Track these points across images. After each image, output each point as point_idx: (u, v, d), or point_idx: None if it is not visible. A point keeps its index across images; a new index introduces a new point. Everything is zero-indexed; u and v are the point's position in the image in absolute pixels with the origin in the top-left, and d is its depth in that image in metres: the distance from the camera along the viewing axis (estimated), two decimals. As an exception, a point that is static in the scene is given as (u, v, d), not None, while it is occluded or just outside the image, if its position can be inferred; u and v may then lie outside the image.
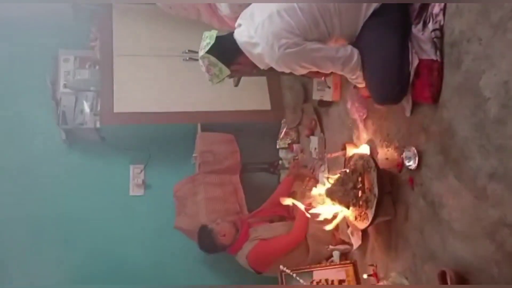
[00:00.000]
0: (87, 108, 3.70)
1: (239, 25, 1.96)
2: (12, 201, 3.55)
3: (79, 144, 3.84)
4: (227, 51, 1.97)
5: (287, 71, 1.96)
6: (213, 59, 1.94)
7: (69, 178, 3.73)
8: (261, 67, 2.01)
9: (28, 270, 3.39)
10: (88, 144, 3.83)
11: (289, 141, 3.30)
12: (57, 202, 3.64)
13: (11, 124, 3.77)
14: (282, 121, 3.42)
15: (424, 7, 1.77)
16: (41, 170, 3.71)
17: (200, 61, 2.00)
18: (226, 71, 1.98)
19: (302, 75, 2.40)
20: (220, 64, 1.95)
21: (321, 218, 2.11)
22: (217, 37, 1.96)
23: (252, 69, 2.05)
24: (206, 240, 2.93)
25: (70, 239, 3.51)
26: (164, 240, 3.54)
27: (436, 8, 1.71)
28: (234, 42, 1.95)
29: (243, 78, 3.09)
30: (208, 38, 1.95)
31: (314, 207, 2.19)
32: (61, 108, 3.70)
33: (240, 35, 1.93)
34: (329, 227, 2.13)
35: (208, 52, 1.93)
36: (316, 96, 2.78)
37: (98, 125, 3.63)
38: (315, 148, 2.89)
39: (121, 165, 3.84)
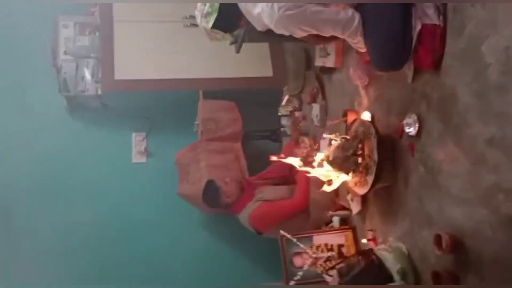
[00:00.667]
0: (88, 75, 3.70)
1: None
2: (16, 169, 3.58)
3: (81, 111, 3.85)
4: (229, 19, 1.95)
5: (286, 33, 1.94)
6: (219, 33, 1.94)
7: (71, 145, 3.77)
8: (258, 28, 1.99)
9: (33, 232, 3.45)
10: (90, 111, 3.85)
11: (291, 109, 3.29)
12: (60, 170, 3.69)
13: (12, 92, 3.76)
14: (284, 88, 3.40)
15: (429, -30, 1.73)
16: (43, 138, 3.73)
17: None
18: (228, 38, 1.96)
19: (303, 41, 2.38)
20: (222, 33, 1.94)
21: (321, 177, 2.13)
22: (220, 6, 1.93)
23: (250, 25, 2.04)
24: (211, 195, 3.01)
25: (72, 206, 3.56)
26: (167, 207, 3.60)
27: (441, -28, 1.67)
28: (235, 5, 1.92)
29: (245, 45, 3.08)
30: (210, 8, 1.92)
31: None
32: (62, 75, 3.69)
33: None
34: (328, 188, 2.15)
35: (213, 26, 1.93)
36: (318, 62, 2.76)
37: (99, 92, 3.64)
38: (317, 115, 2.89)
39: (123, 132, 3.87)
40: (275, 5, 1.81)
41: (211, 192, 3.01)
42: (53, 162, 3.67)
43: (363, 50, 2.01)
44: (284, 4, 1.80)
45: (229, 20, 2.01)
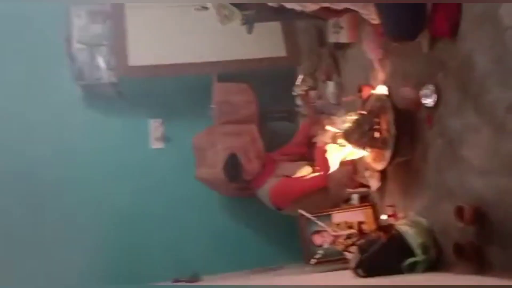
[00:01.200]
0: (102, 63, 3.70)
1: None
2: (34, 160, 3.62)
3: (97, 100, 3.86)
4: None
5: (297, 6, 1.89)
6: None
7: (88, 134, 3.76)
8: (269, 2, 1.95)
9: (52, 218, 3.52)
10: (106, 99, 3.86)
11: (306, 88, 3.25)
12: (77, 159, 3.70)
13: (28, 82, 3.79)
14: (299, 68, 3.35)
15: None
16: (59, 128, 3.72)
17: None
18: (238, 14, 1.92)
19: (315, 16, 2.34)
20: (231, 7, 1.90)
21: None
22: None
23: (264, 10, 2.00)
24: (232, 169, 3.00)
25: (92, 195, 3.59)
26: (186, 191, 3.62)
27: None
28: None
29: (257, 25, 3.04)
30: None
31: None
32: (77, 64, 3.71)
33: None
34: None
35: None
36: (332, 38, 2.70)
37: (114, 79, 3.65)
38: (332, 93, 2.85)
39: (140, 119, 3.87)
40: None
41: (232, 167, 3.02)
42: (71, 151, 3.68)
43: (376, 21, 1.96)
44: None
45: None
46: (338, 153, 2.14)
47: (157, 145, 3.84)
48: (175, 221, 3.59)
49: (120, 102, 3.86)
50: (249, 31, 3.00)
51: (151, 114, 3.87)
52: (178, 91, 3.81)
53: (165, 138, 3.86)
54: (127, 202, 3.61)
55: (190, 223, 3.59)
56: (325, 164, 2.69)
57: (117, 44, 3.57)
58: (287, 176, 2.86)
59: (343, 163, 2.41)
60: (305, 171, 2.85)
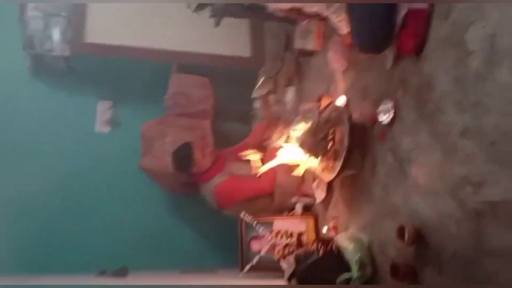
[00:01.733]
0: (56, 35, 3.48)
1: None
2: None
3: (45, 73, 3.63)
4: None
5: (270, 6, 1.84)
6: None
7: (31, 107, 3.53)
8: None
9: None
10: (55, 73, 3.63)
11: (266, 91, 3.20)
12: (17, 131, 3.46)
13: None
14: (261, 70, 3.30)
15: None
16: (2, 97, 3.50)
17: None
18: None
19: (285, 19, 2.30)
20: None
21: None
22: None
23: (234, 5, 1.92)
24: (183, 156, 2.87)
25: (24, 172, 3.35)
26: (127, 180, 3.46)
27: (432, -45, 1.60)
28: None
29: (225, 22, 2.97)
30: None
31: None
32: (28, 32, 3.47)
33: None
34: (296, 171, 2.09)
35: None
36: (298, 44, 2.67)
37: (67, 53, 3.44)
38: (291, 99, 2.81)
39: (89, 99, 3.67)
40: None
41: (184, 154, 2.88)
42: (9, 122, 3.44)
43: (346, 31, 1.94)
44: None
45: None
46: (288, 155, 2.10)
47: (103, 128, 3.65)
48: (110, 211, 3.42)
49: (70, 78, 3.64)
50: (217, 24, 2.93)
51: (101, 95, 3.68)
52: (133, 75, 3.65)
53: (112, 123, 3.67)
54: (61, 185, 3.40)
55: (126, 215, 3.42)
56: (273, 170, 2.64)
57: (76, 17, 3.37)
58: (235, 176, 2.78)
59: (291, 170, 2.37)
60: (251, 170, 2.78)
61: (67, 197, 3.40)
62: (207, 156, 2.85)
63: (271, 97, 3.15)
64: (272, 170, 2.65)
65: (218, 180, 2.79)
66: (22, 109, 3.52)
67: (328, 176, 2.06)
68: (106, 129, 3.67)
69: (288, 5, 1.86)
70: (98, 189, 3.46)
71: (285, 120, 2.85)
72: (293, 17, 2.22)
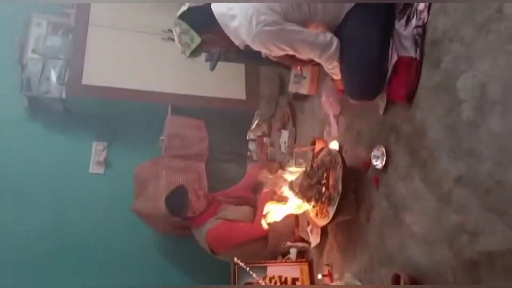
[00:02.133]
0: (54, 77, 3.52)
1: None
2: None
3: (42, 114, 3.66)
4: (201, 20, 1.87)
5: (263, 50, 1.87)
6: (184, 25, 1.84)
7: (26, 147, 3.55)
8: (236, 42, 1.92)
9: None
10: (51, 115, 3.66)
11: (260, 133, 3.22)
12: (12, 171, 3.45)
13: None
14: (256, 112, 3.33)
15: (410, 2, 1.72)
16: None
17: (173, 30, 1.90)
18: (197, 39, 1.85)
19: (279, 64, 2.33)
20: (192, 32, 1.84)
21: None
22: (191, 6, 1.86)
23: (227, 44, 1.96)
24: (177, 199, 2.81)
25: (18, 211, 3.32)
26: (119, 222, 3.41)
27: (421, 5, 1.65)
28: (210, 12, 1.85)
29: (220, 65, 3.02)
30: (183, 7, 1.86)
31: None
32: (26, 73, 3.51)
33: (218, 6, 1.83)
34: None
35: (180, 17, 1.84)
36: (292, 88, 2.71)
37: (63, 95, 3.47)
38: (285, 142, 2.82)
39: (84, 140, 3.69)
40: (253, 20, 1.75)
41: (178, 198, 2.83)
42: (4, 161, 3.43)
43: (338, 77, 1.97)
44: (263, 19, 1.74)
45: (198, 20, 1.92)
46: (283, 207, 2.08)
47: (97, 170, 3.64)
48: (103, 253, 3.35)
49: (66, 119, 3.66)
50: (212, 68, 2.97)
51: (97, 136, 3.69)
52: (129, 116, 3.69)
53: (107, 164, 3.66)
54: (54, 225, 3.36)
55: (119, 256, 3.35)
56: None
57: (75, 60, 3.42)
58: (228, 220, 2.74)
59: (286, 215, 2.34)
60: (245, 214, 2.75)
61: (60, 237, 3.34)
62: (201, 200, 2.81)
63: (266, 140, 3.16)
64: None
65: (210, 224, 2.74)
66: (17, 149, 3.53)
67: (323, 221, 2.03)
68: (101, 170, 3.65)
69: (282, 52, 1.89)
70: (91, 231, 3.41)
71: (279, 163, 2.86)
72: (286, 63, 2.25)
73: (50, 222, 3.34)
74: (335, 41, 1.81)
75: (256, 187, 2.99)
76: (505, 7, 1.27)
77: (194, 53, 1.93)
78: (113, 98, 3.46)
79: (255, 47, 1.87)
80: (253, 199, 2.92)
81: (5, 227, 3.26)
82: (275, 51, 1.89)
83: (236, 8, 1.79)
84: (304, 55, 1.88)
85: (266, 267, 2.41)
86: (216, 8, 1.84)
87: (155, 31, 3.49)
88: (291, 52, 1.88)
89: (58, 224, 3.36)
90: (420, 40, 1.64)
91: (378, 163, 1.82)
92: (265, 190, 2.60)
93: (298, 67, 2.43)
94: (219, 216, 2.76)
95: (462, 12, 1.45)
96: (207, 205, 2.82)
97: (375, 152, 1.85)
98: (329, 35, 1.82)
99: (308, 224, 2.40)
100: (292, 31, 1.77)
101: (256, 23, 1.74)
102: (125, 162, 3.61)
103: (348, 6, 1.79)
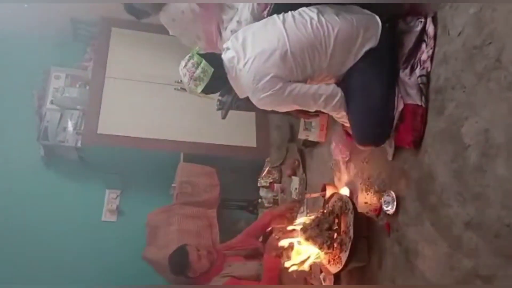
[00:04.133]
0: (70, 126, 3.65)
1: (227, 48, 1.91)
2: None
3: (58, 162, 3.76)
4: (219, 86, 1.94)
5: (269, 109, 1.94)
6: (197, 58, 1.84)
7: (41, 194, 3.65)
8: (240, 96, 1.98)
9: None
10: (67, 163, 3.76)
11: (271, 180, 3.25)
12: (27, 217, 3.53)
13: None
14: (266, 159, 3.38)
15: (413, 53, 1.79)
16: (15, 183, 3.61)
17: (184, 66, 1.88)
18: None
19: (288, 114, 2.40)
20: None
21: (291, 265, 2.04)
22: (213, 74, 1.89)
23: (241, 99, 2.03)
24: (178, 260, 2.75)
25: (32, 258, 3.36)
26: (130, 271, 3.40)
27: (424, 55, 1.73)
28: (221, 61, 1.90)
29: (231, 113, 3.10)
30: (202, 74, 1.87)
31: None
32: (44, 123, 3.64)
33: (228, 60, 1.89)
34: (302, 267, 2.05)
35: (202, 91, 1.86)
36: (302, 135, 2.76)
37: (79, 144, 3.57)
38: (296, 189, 2.84)
39: (97, 188, 3.77)
40: (259, 85, 1.78)
41: (179, 259, 2.78)
42: (20, 208, 3.51)
43: (348, 124, 2.02)
44: (267, 86, 1.78)
45: (218, 87, 1.99)
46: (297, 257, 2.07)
47: (109, 217, 3.68)
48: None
49: (81, 167, 3.75)
50: (223, 116, 3.05)
51: (110, 184, 3.75)
52: (142, 164, 3.76)
53: (119, 211, 3.71)
54: (67, 272, 3.39)
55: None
56: (275, 273, 2.57)
57: (90, 110, 3.55)
58: (234, 277, 2.65)
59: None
60: (251, 271, 2.67)
61: (73, 285, 3.33)
62: (203, 260, 2.72)
63: (277, 186, 3.18)
64: (276, 266, 2.59)
65: (217, 283, 2.67)
66: (33, 196, 3.64)
67: (335, 268, 2.01)
68: (113, 218, 3.69)
69: (289, 109, 1.95)
70: (102, 279, 3.40)
71: (290, 210, 2.86)
72: (295, 116, 2.31)
73: (63, 269, 3.34)
74: (339, 91, 1.85)
75: (264, 235, 2.95)
76: (503, 56, 1.33)
77: (207, 89, 1.88)
78: (127, 146, 3.55)
79: (260, 107, 1.92)
80: (261, 249, 2.86)
81: (21, 271, 3.29)
82: (282, 109, 1.96)
83: (244, 69, 1.82)
84: (310, 108, 1.93)
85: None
86: (225, 60, 1.89)
87: (167, 81, 3.63)
88: (297, 108, 1.94)
89: (71, 271, 3.38)
90: (424, 88, 1.70)
91: (389, 209, 1.83)
92: (275, 237, 2.58)
93: (307, 118, 2.49)
94: (225, 273, 2.68)
95: (462, 61, 1.52)
96: (211, 263, 2.77)
97: (386, 198, 1.86)
98: (331, 86, 1.86)
99: (321, 271, 2.38)
100: (294, 89, 1.81)
101: (262, 88, 1.79)
102: (137, 210, 3.66)
103: (352, 60, 1.84)
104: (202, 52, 1.91)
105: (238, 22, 2.19)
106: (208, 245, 3.11)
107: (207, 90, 1.89)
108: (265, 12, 2.10)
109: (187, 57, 1.88)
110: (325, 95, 1.85)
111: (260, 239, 2.94)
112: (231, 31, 2.21)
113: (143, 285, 3.39)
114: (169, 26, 2.43)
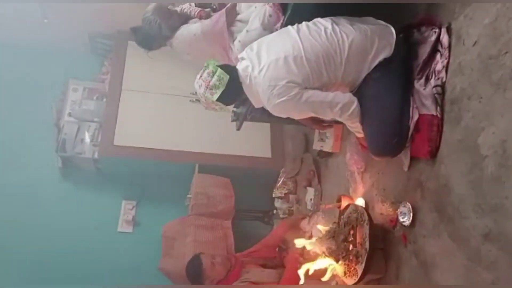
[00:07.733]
0: (87, 138, 3.70)
1: (242, 58, 1.93)
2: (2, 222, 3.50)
3: (75, 173, 3.81)
4: (235, 95, 1.93)
5: (285, 116, 1.94)
6: (212, 66, 1.85)
7: (60, 205, 3.69)
8: (256, 105, 2.00)
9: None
10: (84, 174, 3.81)
11: (286, 191, 3.24)
12: (45, 227, 3.57)
13: (11, 144, 3.77)
14: (281, 170, 3.38)
15: (428, 63, 1.78)
16: (33, 194, 3.67)
17: (200, 77, 1.90)
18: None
19: (304, 124, 2.40)
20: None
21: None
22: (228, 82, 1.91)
23: (255, 110, 2.04)
24: (193, 269, 2.76)
25: (51, 266, 3.42)
26: (147, 282, 3.41)
27: (439, 65, 1.72)
28: (236, 71, 1.92)
29: (246, 124, 3.12)
30: (218, 81, 1.87)
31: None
32: (62, 135, 3.70)
33: (243, 70, 1.91)
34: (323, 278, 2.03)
35: (218, 99, 1.86)
36: (316, 146, 2.76)
37: (96, 155, 3.62)
38: (311, 199, 2.83)
39: (114, 199, 3.80)
40: (274, 91, 1.78)
41: (194, 268, 2.78)
42: (38, 219, 3.56)
43: (361, 135, 2.01)
44: (282, 91, 1.79)
45: (234, 96, 2.00)
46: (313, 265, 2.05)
47: (125, 228, 3.71)
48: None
49: (97, 178, 3.80)
50: (238, 127, 3.07)
51: (126, 195, 3.79)
52: (157, 175, 3.78)
53: (135, 222, 3.73)
54: (82, 282, 3.40)
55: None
56: (295, 280, 2.55)
57: (107, 122, 3.60)
58: (253, 283, 2.65)
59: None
60: (269, 278, 2.66)
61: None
62: (217, 268, 2.71)
63: (292, 197, 3.17)
64: (295, 277, 2.57)
65: None
66: (51, 207, 3.68)
67: (351, 280, 1.99)
68: (129, 229, 3.72)
69: (304, 116, 1.96)
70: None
71: (305, 221, 2.85)
72: (311, 126, 2.31)
73: (79, 279, 3.38)
74: (355, 101, 1.86)
75: (282, 246, 2.95)
76: (520, 66, 1.32)
77: (223, 98, 1.87)
78: (143, 158, 3.58)
79: (275, 113, 1.93)
80: (278, 258, 2.86)
81: (36, 281, 3.34)
82: (297, 116, 1.96)
83: (259, 76, 1.83)
84: (326, 116, 1.93)
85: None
86: (240, 70, 1.91)
87: (183, 93, 3.67)
88: (312, 114, 1.94)
89: (86, 281, 3.41)
90: (440, 98, 1.69)
91: (406, 220, 1.82)
92: (293, 251, 2.57)
93: (322, 128, 2.49)
94: (243, 279, 2.68)
95: (478, 71, 1.51)
96: (227, 270, 2.75)
97: (402, 209, 1.85)
98: (348, 95, 1.86)
99: (337, 282, 2.36)
100: (311, 95, 1.82)
101: (278, 94, 1.79)
102: (153, 220, 3.67)
103: (367, 71, 1.85)
104: (217, 63, 1.93)
105: (247, 31, 2.22)
106: (225, 253, 3.11)
107: (222, 99, 1.89)
108: (278, 25, 2.12)
109: (202, 69, 1.91)
110: (342, 103, 1.85)
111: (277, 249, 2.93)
112: (239, 41, 2.24)
113: (143, 285, 3.39)
114: (185, 51, 2.49)
